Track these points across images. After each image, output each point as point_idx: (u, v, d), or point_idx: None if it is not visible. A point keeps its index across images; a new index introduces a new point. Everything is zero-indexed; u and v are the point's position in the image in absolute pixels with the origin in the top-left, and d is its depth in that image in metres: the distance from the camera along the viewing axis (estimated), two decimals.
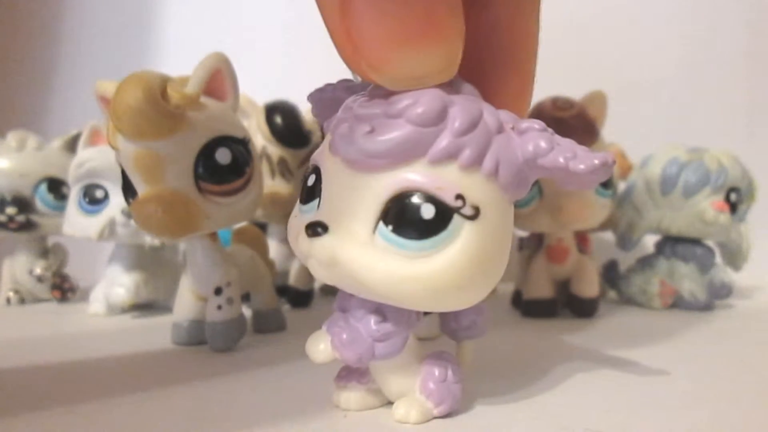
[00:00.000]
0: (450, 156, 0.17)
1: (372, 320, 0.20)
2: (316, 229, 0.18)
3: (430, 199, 0.17)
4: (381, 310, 0.20)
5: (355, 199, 0.18)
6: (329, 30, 0.17)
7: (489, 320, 0.24)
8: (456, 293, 0.18)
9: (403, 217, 0.17)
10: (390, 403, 0.22)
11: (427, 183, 0.17)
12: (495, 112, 0.18)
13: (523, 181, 0.19)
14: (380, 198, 0.18)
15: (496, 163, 0.18)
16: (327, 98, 0.21)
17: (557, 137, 0.19)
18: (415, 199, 0.17)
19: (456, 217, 0.17)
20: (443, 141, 0.17)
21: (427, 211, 0.17)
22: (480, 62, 0.20)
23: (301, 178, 0.20)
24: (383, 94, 0.18)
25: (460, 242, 0.18)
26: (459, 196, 0.17)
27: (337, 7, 0.17)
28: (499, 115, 0.18)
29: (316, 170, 0.20)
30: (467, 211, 0.18)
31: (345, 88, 0.21)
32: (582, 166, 0.18)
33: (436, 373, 0.21)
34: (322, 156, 0.20)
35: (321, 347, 0.20)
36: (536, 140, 0.18)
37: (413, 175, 0.17)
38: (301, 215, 0.20)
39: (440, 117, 0.17)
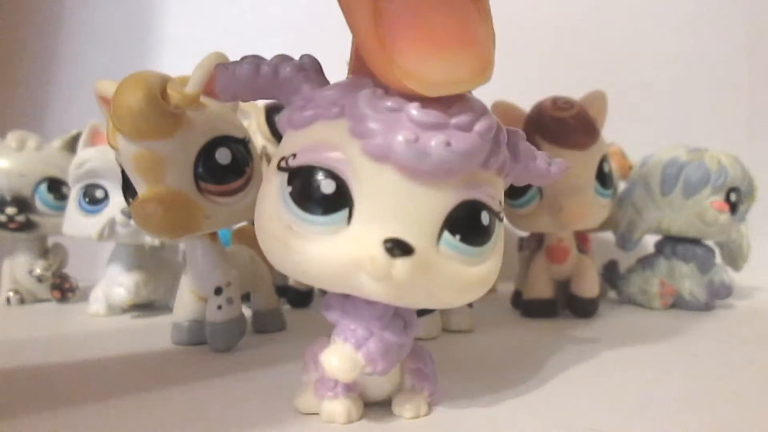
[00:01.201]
0: (499, 168, 0.19)
1: (396, 327, 0.19)
2: (404, 249, 0.17)
3: (485, 207, 0.19)
4: (400, 315, 0.20)
5: (421, 211, 0.18)
6: (358, 38, 0.17)
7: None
8: (490, 285, 0.20)
9: (469, 226, 0.18)
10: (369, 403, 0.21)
11: (484, 192, 0.19)
12: (502, 126, 0.20)
13: (518, 180, 0.21)
14: (446, 208, 0.18)
15: (505, 164, 0.20)
16: (266, 76, 0.19)
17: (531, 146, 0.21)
18: (476, 208, 0.18)
19: (496, 221, 0.19)
20: (498, 155, 0.19)
21: (486, 219, 0.19)
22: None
23: (302, 183, 0.18)
24: (431, 103, 0.17)
25: (497, 243, 0.20)
26: (500, 203, 0.19)
27: (369, 15, 0.16)
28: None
29: (333, 176, 0.18)
30: (502, 214, 0.20)
31: (296, 67, 0.19)
32: (555, 169, 0.22)
33: (423, 366, 0.21)
34: (341, 161, 0.18)
35: (343, 364, 0.19)
36: (526, 148, 0.21)
37: (477, 186, 0.18)
38: (309, 225, 0.18)
39: (496, 129, 0.19)
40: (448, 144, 0.17)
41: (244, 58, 0.20)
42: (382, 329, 0.19)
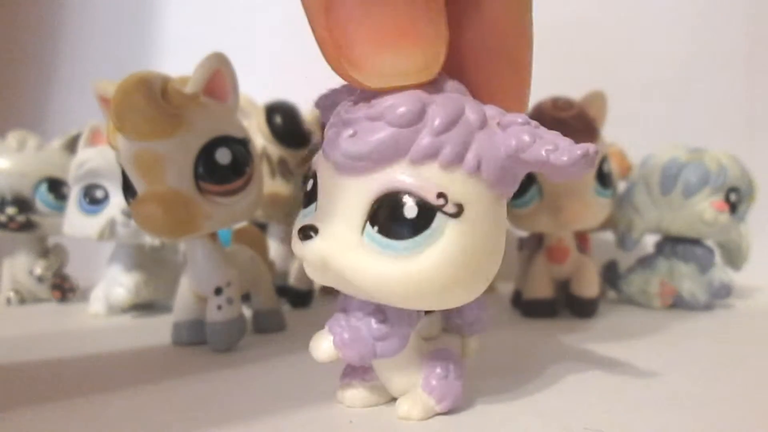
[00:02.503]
0: (430, 155, 0.18)
1: (372, 320, 0.20)
2: (307, 233, 0.19)
3: (413, 198, 0.18)
4: (381, 310, 0.20)
5: (344, 201, 0.18)
6: (312, 28, 0.18)
7: (491, 316, 0.24)
8: (443, 292, 0.18)
9: (387, 218, 0.18)
10: (393, 399, 0.22)
11: (409, 183, 0.18)
12: (479, 108, 0.18)
13: (509, 176, 0.19)
14: (366, 200, 0.18)
15: (478, 159, 0.18)
16: (329, 104, 0.21)
17: (541, 130, 0.18)
18: (399, 200, 0.18)
19: (439, 216, 0.18)
20: (423, 140, 0.18)
21: (410, 211, 0.18)
22: (477, 60, 0.20)
23: (302, 182, 0.21)
24: (368, 97, 0.18)
25: (443, 241, 0.18)
26: (441, 195, 0.18)
27: (321, 6, 0.17)
28: (484, 110, 0.19)
29: (314, 175, 0.20)
30: (450, 209, 0.18)
31: (347, 91, 0.21)
32: (564, 158, 0.17)
33: (438, 369, 0.21)
34: (318, 161, 0.20)
35: (324, 346, 0.20)
36: (519, 134, 0.18)
37: (396, 176, 0.18)
38: (302, 219, 0.20)
39: (419, 117, 0.18)
40: (353, 135, 0.18)
41: (343, 86, 0.21)
42: (359, 320, 0.20)
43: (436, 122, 0.18)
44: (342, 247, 0.18)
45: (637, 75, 0.62)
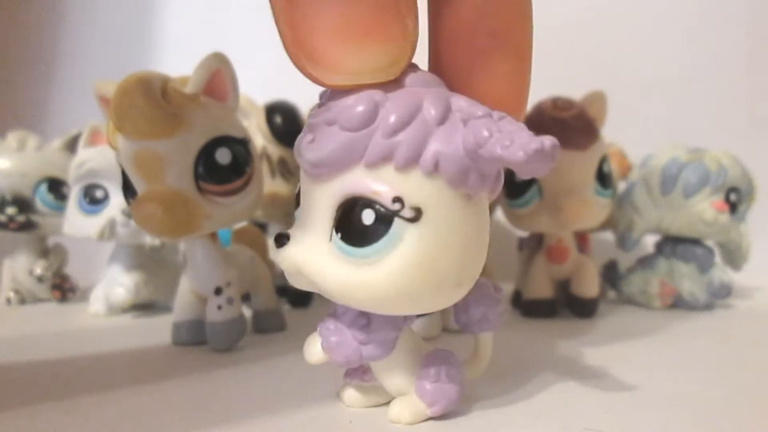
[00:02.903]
0: (384, 157, 0.17)
1: (357, 324, 0.20)
2: (282, 240, 0.19)
3: (369, 204, 0.17)
4: (365, 314, 0.20)
5: (314, 208, 0.18)
6: (274, 18, 0.17)
7: (504, 314, 0.23)
8: (409, 297, 0.18)
9: (347, 225, 0.18)
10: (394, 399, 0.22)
11: (365, 188, 0.17)
12: (440, 101, 0.17)
13: (473, 174, 0.17)
14: (331, 206, 0.18)
15: (436, 158, 0.17)
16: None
17: (503, 122, 0.17)
18: (357, 206, 0.17)
19: (397, 221, 0.17)
20: (375, 143, 0.17)
21: (367, 217, 0.17)
22: (474, 42, 0.19)
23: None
24: (334, 98, 0.18)
25: (402, 247, 0.17)
26: (396, 199, 0.17)
27: (283, 3, 0.17)
28: (449, 102, 0.18)
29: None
30: (407, 213, 0.17)
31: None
32: (520, 154, 0.16)
33: (432, 372, 0.21)
34: None
35: (313, 349, 0.21)
36: (478, 129, 0.17)
37: (352, 181, 0.17)
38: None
39: (370, 118, 0.17)
40: (311, 141, 0.18)
41: None
42: (344, 324, 0.20)
43: (389, 122, 0.17)
44: (312, 253, 0.18)
45: (637, 75, 0.62)
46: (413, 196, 0.17)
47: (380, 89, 0.17)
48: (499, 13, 0.19)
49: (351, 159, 0.17)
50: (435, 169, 0.17)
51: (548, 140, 0.16)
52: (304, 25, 0.17)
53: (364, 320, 0.20)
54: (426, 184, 0.17)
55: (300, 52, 0.17)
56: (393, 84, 0.18)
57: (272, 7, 0.17)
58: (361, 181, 0.17)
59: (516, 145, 0.16)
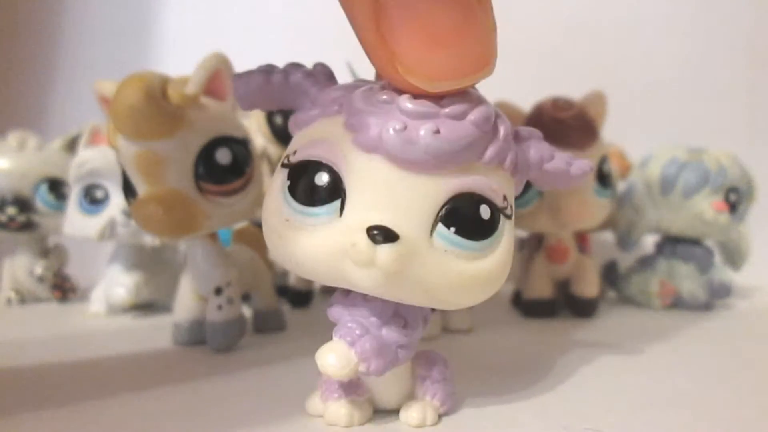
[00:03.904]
0: (500, 161, 0.19)
1: (393, 326, 0.19)
2: (387, 235, 0.17)
3: (486, 201, 0.18)
4: (400, 315, 0.19)
5: (411, 201, 0.17)
6: (362, 39, 0.17)
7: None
8: (496, 287, 0.19)
9: (466, 219, 0.18)
10: (382, 411, 0.21)
11: (484, 185, 0.18)
12: (506, 120, 0.19)
13: (524, 182, 0.21)
14: (439, 200, 0.18)
15: (519, 168, 0.20)
16: (277, 83, 0.20)
17: (552, 147, 0.21)
18: (475, 201, 0.18)
19: (502, 218, 0.19)
20: (497, 146, 0.18)
21: (485, 212, 0.18)
22: None
23: (297, 177, 0.19)
24: (424, 92, 0.18)
25: (504, 239, 0.19)
26: (505, 198, 0.19)
27: (370, 14, 0.16)
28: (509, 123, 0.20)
29: (327, 168, 0.18)
30: (508, 211, 0.19)
31: (305, 73, 0.20)
32: (578, 171, 0.21)
33: (436, 373, 0.21)
34: (337, 153, 0.18)
35: (337, 361, 0.18)
36: (539, 147, 0.20)
37: (474, 177, 0.18)
38: (305, 218, 0.18)
39: (496, 123, 0.19)
40: (437, 132, 0.17)
41: (258, 67, 0.20)
42: (379, 327, 0.19)
43: (505, 131, 0.19)
44: (416, 249, 0.17)
45: (637, 75, 0.62)
46: (509, 196, 0.19)
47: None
48: None
49: (474, 156, 0.18)
50: (515, 175, 0.20)
51: (589, 164, 0.22)
52: (398, 38, 0.16)
53: (401, 322, 0.19)
54: (512, 187, 0.20)
55: (396, 64, 0.17)
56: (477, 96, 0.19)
57: (359, 29, 0.17)
58: (482, 178, 0.18)
59: (576, 165, 0.21)
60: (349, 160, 0.18)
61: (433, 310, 0.21)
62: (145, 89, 0.25)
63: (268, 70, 0.20)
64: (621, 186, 0.47)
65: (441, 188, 0.18)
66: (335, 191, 0.18)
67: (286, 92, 0.20)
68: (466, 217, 0.18)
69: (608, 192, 0.37)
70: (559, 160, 0.21)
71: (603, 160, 0.37)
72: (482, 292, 0.19)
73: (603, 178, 0.37)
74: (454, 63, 0.17)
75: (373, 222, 0.17)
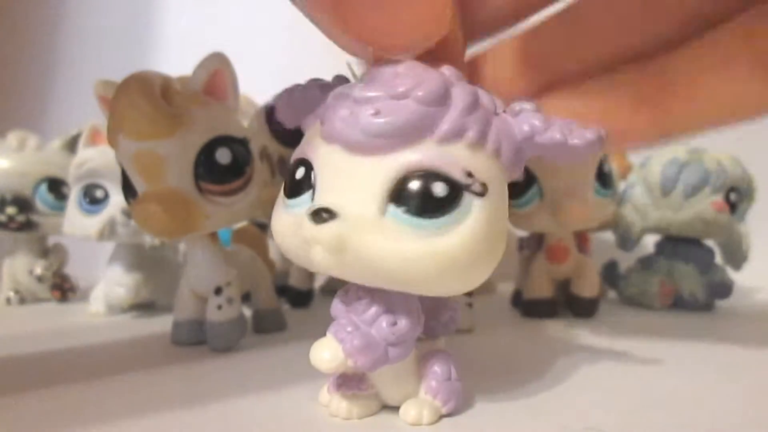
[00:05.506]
0: (457, 134, 0.18)
1: (384, 323, 0.19)
2: (321, 214, 0.18)
3: (441, 177, 0.18)
4: (392, 311, 0.19)
5: (360, 182, 0.18)
6: (317, 13, 0.17)
7: (459, 314, 0.24)
8: (466, 271, 0.18)
9: (416, 197, 0.18)
10: (388, 407, 0.21)
11: (437, 161, 0.18)
12: (488, 94, 0.19)
13: (520, 159, 0.20)
14: (387, 179, 0.18)
15: (498, 142, 0.19)
16: (297, 98, 0.21)
17: (551, 116, 0.19)
18: (427, 178, 0.18)
19: (466, 194, 0.18)
20: (450, 119, 0.18)
21: (440, 189, 0.18)
22: None
23: (287, 174, 0.20)
24: (382, 80, 0.18)
25: (471, 219, 0.18)
26: (469, 173, 0.18)
27: None
28: (492, 97, 0.19)
29: (305, 163, 0.19)
30: (477, 188, 0.18)
31: (318, 86, 0.21)
32: (577, 141, 0.19)
33: (440, 371, 0.21)
34: (311, 148, 0.19)
35: (327, 356, 0.19)
36: (531, 120, 0.19)
37: (422, 154, 0.18)
38: (288, 209, 0.20)
39: (445, 97, 0.18)
40: (376, 113, 0.17)
41: (308, 82, 0.21)
42: (369, 325, 0.19)
43: (461, 103, 0.18)
44: (363, 228, 0.17)
45: None
46: (481, 173, 0.18)
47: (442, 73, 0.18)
48: None
49: (421, 133, 0.18)
50: (497, 152, 0.19)
51: (602, 130, 0.20)
52: (350, 5, 0.17)
53: (391, 319, 0.19)
54: (489, 164, 0.18)
55: (348, 28, 0.17)
56: (449, 72, 0.19)
57: (315, 2, 0.17)
58: (432, 154, 0.18)
59: (575, 133, 0.19)
60: (318, 153, 0.19)
61: None
62: (145, 89, 0.25)
63: (322, 84, 0.21)
64: (621, 186, 0.47)
65: (389, 167, 0.18)
66: (308, 183, 0.19)
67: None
68: (416, 195, 0.18)
69: (608, 192, 0.37)
70: (554, 130, 0.19)
71: (603, 160, 0.37)
72: (450, 274, 0.18)
73: (603, 178, 0.37)
74: (402, 28, 0.17)
75: (320, 205, 0.18)
